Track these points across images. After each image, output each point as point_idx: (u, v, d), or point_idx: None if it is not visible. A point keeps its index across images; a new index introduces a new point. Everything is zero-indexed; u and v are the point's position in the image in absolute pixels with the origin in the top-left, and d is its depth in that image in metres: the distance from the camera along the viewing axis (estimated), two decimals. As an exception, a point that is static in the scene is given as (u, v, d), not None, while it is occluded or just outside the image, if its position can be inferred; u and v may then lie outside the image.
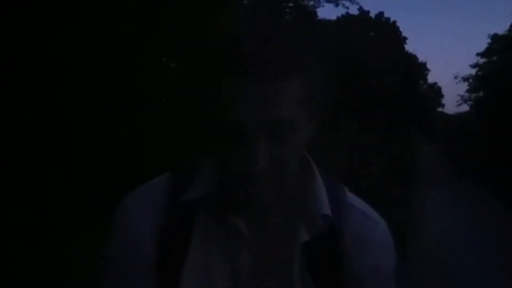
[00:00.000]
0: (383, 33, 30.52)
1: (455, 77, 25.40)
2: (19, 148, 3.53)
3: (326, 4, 19.82)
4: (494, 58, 21.96)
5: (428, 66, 41.35)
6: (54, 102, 3.79)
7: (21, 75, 3.63)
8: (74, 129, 3.83)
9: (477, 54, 23.42)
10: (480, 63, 23.60)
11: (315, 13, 20.88)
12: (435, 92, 46.95)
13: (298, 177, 0.87)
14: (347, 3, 20.25)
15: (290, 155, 0.80)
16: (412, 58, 36.89)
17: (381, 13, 32.66)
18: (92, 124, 3.89)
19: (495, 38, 21.82)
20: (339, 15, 30.09)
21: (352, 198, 0.93)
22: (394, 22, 33.29)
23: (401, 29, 33.85)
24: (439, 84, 47.45)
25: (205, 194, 0.86)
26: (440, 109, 48.47)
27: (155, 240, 0.85)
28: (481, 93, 24.39)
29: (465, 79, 24.93)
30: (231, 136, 0.77)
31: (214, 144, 0.82)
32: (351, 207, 0.90)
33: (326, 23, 25.19)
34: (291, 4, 18.41)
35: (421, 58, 42.09)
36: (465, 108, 31.52)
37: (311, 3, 19.46)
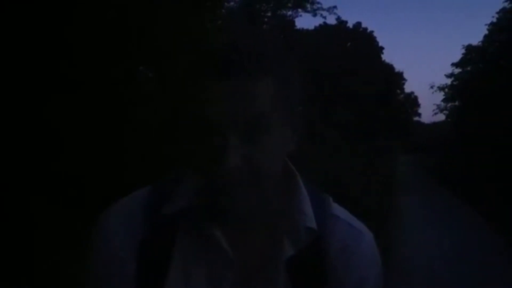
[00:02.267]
0: (361, 43, 30.88)
1: (431, 87, 25.87)
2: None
3: (304, 14, 20.06)
4: (469, 68, 22.42)
5: (405, 75, 42.10)
6: (34, 111, 3.73)
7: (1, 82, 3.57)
8: (55, 137, 3.77)
9: (452, 64, 23.91)
10: (455, 73, 24.08)
11: (293, 23, 21.08)
12: (412, 101, 47.58)
13: (281, 187, 0.84)
14: (325, 13, 20.55)
15: (264, 158, 0.77)
16: (389, 67, 37.42)
17: (359, 23, 33.11)
18: (73, 132, 3.83)
19: (469, 48, 22.30)
20: (317, 25, 30.35)
21: (337, 209, 0.90)
22: (372, 32, 33.77)
23: (378, 39, 34.35)
24: (415, 94, 48.15)
25: (187, 206, 0.83)
26: (416, 118, 49.21)
27: (136, 255, 0.82)
28: (456, 102, 24.83)
29: (441, 88, 25.39)
30: (204, 135, 0.76)
31: (190, 146, 0.80)
32: (336, 218, 0.87)
33: (304, 33, 25.39)
34: (269, 14, 18.55)
35: (398, 67, 42.88)
36: (441, 117, 32.06)
37: (289, 13, 19.65)
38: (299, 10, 19.90)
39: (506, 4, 17.86)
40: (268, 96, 0.76)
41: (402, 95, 43.46)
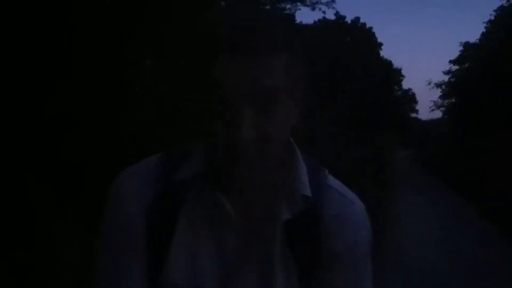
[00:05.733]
0: (359, 38, 30.83)
1: (429, 83, 25.85)
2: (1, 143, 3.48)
3: (303, 8, 19.98)
4: (466, 65, 22.42)
5: (403, 72, 41.97)
6: (39, 99, 3.75)
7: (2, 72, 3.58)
8: (57, 124, 3.79)
9: (450, 61, 23.91)
10: (452, 70, 24.09)
11: (293, 16, 20.99)
12: (410, 97, 47.47)
13: (282, 158, 0.91)
14: (323, 7, 20.45)
15: (274, 130, 0.83)
16: (388, 64, 37.35)
17: (357, 18, 33.01)
18: (75, 119, 3.86)
19: (467, 46, 22.32)
20: (316, 19, 30.31)
21: (332, 180, 0.97)
22: (370, 27, 33.69)
23: (376, 35, 34.28)
24: (413, 90, 48.00)
25: (196, 173, 0.90)
26: (414, 115, 49.10)
27: (146, 215, 0.89)
28: (453, 99, 24.84)
29: (438, 85, 25.34)
30: (218, 109, 0.81)
31: (203, 120, 0.85)
32: (330, 188, 0.95)
33: (303, 26, 25.34)
34: (268, 7, 18.48)
35: (396, 64, 42.75)
36: (438, 114, 32.01)
37: (288, 6, 19.58)
38: (298, 3, 19.86)
39: (504, 2, 17.90)
40: (281, 71, 0.81)
41: (400, 92, 43.40)
